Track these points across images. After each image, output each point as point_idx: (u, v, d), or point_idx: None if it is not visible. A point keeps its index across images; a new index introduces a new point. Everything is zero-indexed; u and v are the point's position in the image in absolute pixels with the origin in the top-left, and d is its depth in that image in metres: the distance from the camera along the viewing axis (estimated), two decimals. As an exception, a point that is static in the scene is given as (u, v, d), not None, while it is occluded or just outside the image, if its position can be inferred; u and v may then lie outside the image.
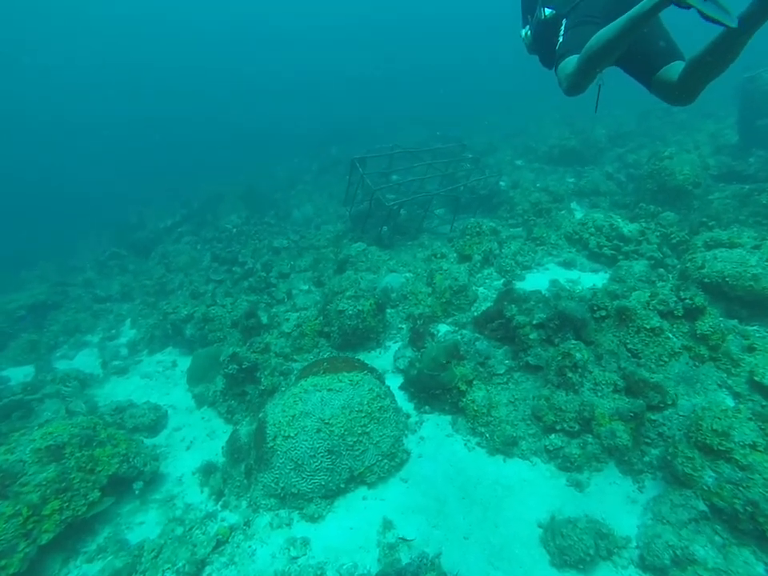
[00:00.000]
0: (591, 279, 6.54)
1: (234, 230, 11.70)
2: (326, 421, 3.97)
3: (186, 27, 51.76)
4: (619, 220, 7.27)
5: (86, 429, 4.28)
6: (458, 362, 4.84)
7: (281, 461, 3.90)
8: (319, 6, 52.59)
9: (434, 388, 4.73)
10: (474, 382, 4.71)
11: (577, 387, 4.12)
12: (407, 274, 7.28)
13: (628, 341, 4.43)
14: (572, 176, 12.57)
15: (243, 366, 5.75)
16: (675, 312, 4.43)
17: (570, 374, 4.14)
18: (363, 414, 4.12)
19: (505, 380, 4.75)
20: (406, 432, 4.53)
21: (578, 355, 4.16)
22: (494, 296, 6.30)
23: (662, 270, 6.38)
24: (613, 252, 6.80)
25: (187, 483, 4.75)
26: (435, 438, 4.48)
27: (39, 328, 9.62)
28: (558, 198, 10.00)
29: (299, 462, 3.85)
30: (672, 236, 6.85)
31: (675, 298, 4.51)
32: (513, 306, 5.13)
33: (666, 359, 4.19)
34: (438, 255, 7.23)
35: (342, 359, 4.88)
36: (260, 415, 4.42)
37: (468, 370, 4.77)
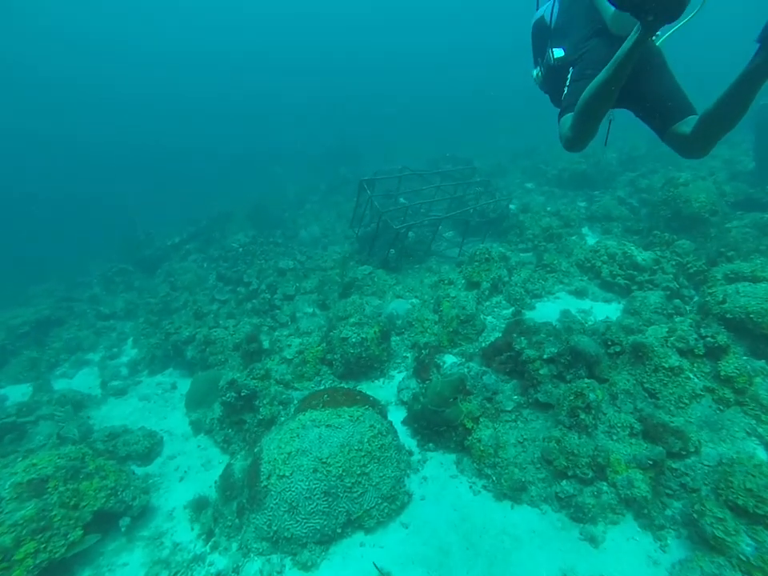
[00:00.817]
0: (604, 310, 6.31)
1: (240, 249, 11.64)
2: (324, 460, 3.75)
3: (198, 47, 53.23)
4: (633, 248, 7.05)
5: (73, 460, 4.09)
6: (464, 398, 4.61)
7: (274, 501, 3.67)
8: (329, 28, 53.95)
9: (438, 425, 4.49)
10: (481, 420, 4.47)
11: (590, 430, 3.86)
12: (413, 300, 7.10)
13: (645, 380, 4.19)
14: (583, 200, 12.40)
15: (242, 394, 5.56)
16: (696, 350, 4.19)
17: (582, 416, 3.89)
18: (363, 453, 3.89)
19: (513, 417, 4.50)
20: (408, 471, 4.28)
21: (591, 395, 3.91)
22: (503, 326, 6.08)
23: (678, 301, 6.12)
24: (626, 282, 6.57)
25: (178, 518, 4.52)
26: (439, 479, 4.23)
27: (41, 345, 9.54)
28: (569, 222, 9.82)
29: (294, 504, 3.62)
30: (689, 266, 6.62)
31: (695, 335, 4.27)
32: (522, 338, 4.91)
33: (687, 401, 3.94)
34: (446, 281, 7.05)
35: (343, 392, 4.67)
36: (255, 450, 4.21)
37: (474, 406, 4.54)
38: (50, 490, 3.77)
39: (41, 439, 5.71)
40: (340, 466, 3.75)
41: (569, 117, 2.54)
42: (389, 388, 5.72)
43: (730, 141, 14.61)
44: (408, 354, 6.17)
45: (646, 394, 4.12)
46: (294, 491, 3.65)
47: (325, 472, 3.71)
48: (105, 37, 46.93)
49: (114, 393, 7.54)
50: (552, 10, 3.11)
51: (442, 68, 50.94)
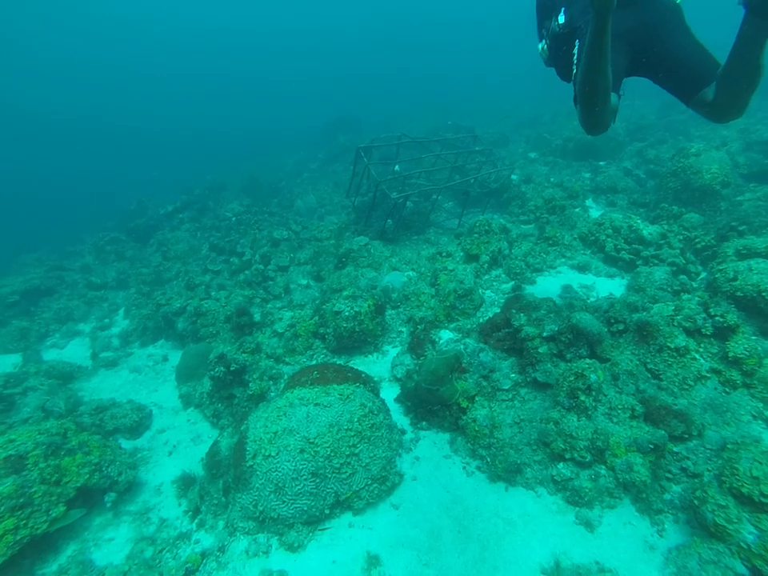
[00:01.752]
0: (607, 285, 6.08)
1: (234, 218, 11.32)
2: (311, 440, 3.61)
3: (196, 24, 51.09)
4: (639, 221, 6.77)
5: (54, 435, 3.96)
6: (460, 376, 4.45)
7: (260, 482, 3.55)
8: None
9: (432, 403, 4.34)
10: (477, 399, 4.32)
11: (590, 412, 3.71)
12: (410, 273, 6.87)
13: (648, 360, 4.00)
14: (588, 171, 11.98)
15: (231, 369, 5.41)
16: (703, 330, 3.99)
17: (582, 397, 3.73)
18: (352, 433, 3.75)
19: (510, 396, 4.35)
20: (400, 451, 4.16)
21: (592, 377, 3.74)
22: (502, 301, 5.88)
23: (684, 277, 5.90)
24: (631, 256, 6.33)
25: (165, 493, 4.44)
26: (431, 459, 4.11)
27: (31, 315, 9.36)
28: (573, 194, 9.47)
29: (280, 485, 3.50)
30: (696, 240, 6.35)
31: (704, 314, 4.06)
32: (521, 314, 4.71)
33: (692, 383, 3.76)
34: (444, 254, 6.79)
35: (334, 368, 4.50)
36: (241, 428, 4.07)
37: (470, 384, 4.38)
38: (29, 466, 3.64)
39: (28, 411, 5.59)
40: (328, 447, 3.61)
41: None
42: (382, 363, 5.56)
43: (747, 108, 14.04)
44: (403, 329, 5.99)
45: (649, 375, 3.95)
46: (280, 472, 3.52)
47: (312, 452, 3.57)
48: (105, 14, 44.97)
49: (105, 364, 7.41)
50: None
51: (447, 38, 49.09)
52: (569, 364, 4.14)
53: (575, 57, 2.56)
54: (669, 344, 3.91)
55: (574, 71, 2.50)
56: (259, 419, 3.95)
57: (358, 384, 4.26)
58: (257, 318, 6.68)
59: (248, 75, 49.99)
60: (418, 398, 4.41)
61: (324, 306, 5.98)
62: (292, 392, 4.08)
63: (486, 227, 6.61)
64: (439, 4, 52.10)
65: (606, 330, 4.28)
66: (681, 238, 6.54)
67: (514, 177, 10.99)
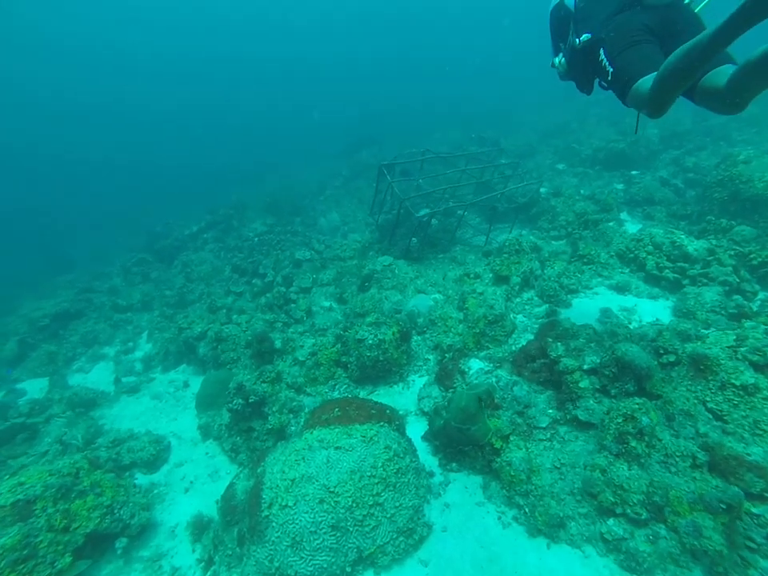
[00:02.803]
0: (650, 308, 5.60)
1: (256, 239, 11.26)
2: (331, 489, 3.30)
3: (222, 50, 52.91)
4: (683, 236, 6.27)
5: (65, 476, 3.79)
6: (492, 412, 4.08)
7: (276, 534, 3.26)
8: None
9: (463, 443, 3.98)
10: (511, 438, 3.93)
11: (642, 460, 3.28)
12: (436, 296, 6.54)
13: (708, 398, 3.55)
14: (620, 182, 11.44)
15: (250, 401, 5.18)
16: (774, 365, 3.51)
17: (633, 443, 3.30)
18: (376, 480, 3.42)
19: (548, 436, 3.95)
20: (428, 497, 3.80)
21: (644, 419, 3.31)
22: (535, 326, 5.48)
23: (738, 297, 5.37)
24: (676, 275, 5.83)
25: (180, 537, 4.21)
26: (463, 506, 3.73)
27: (59, 338, 9.47)
28: (606, 207, 9.00)
29: (297, 539, 3.20)
30: (751, 256, 5.81)
31: (773, 347, 3.58)
32: (558, 344, 4.31)
33: (766, 428, 3.28)
34: (472, 275, 6.44)
35: (356, 404, 4.20)
36: (258, 470, 3.80)
37: (504, 422, 4.00)
38: (37, 512, 3.47)
39: (48, 442, 5.50)
40: (350, 496, 3.29)
41: (642, 84, 2.38)
42: (408, 395, 5.23)
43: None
44: (430, 357, 5.65)
45: (711, 416, 3.49)
46: (297, 524, 3.23)
47: (332, 503, 3.26)
48: (119, 39, 47.15)
49: (127, 390, 7.33)
50: None
51: (468, 48, 49.15)
52: (615, 402, 3.72)
53: (605, 62, 2.67)
54: (733, 380, 3.45)
55: (610, 71, 2.63)
56: (276, 462, 3.68)
57: (382, 423, 3.94)
58: (278, 344, 6.46)
59: (271, 90, 51.25)
60: (448, 437, 4.05)
61: (346, 333, 5.71)
62: (311, 432, 3.80)
63: (516, 246, 6.24)
64: (459, 11, 52.34)
65: (655, 362, 3.84)
66: (732, 253, 6.00)
67: (542, 190, 10.57)
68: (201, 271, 11.38)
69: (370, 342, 5.30)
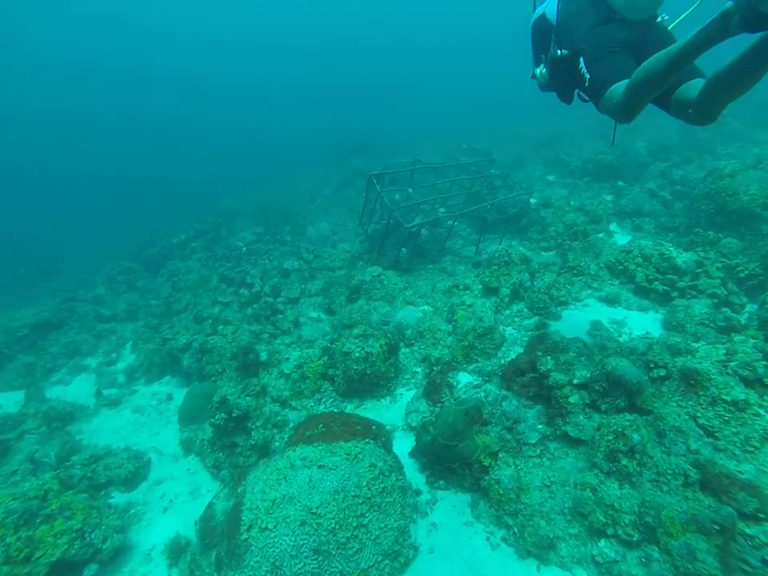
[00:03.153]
0: (640, 320, 5.57)
1: (244, 248, 11.13)
2: (314, 510, 3.17)
3: (211, 49, 52.97)
4: (671, 248, 6.28)
5: (31, 499, 3.60)
6: (481, 428, 3.98)
7: (255, 559, 3.11)
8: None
9: (450, 461, 3.87)
10: (500, 455, 3.84)
11: (634, 478, 3.20)
12: (425, 307, 6.45)
13: (699, 414, 3.49)
14: (609, 193, 11.53)
15: (233, 415, 5.04)
16: (765, 380, 3.46)
17: (624, 461, 3.23)
18: (360, 500, 3.30)
19: (538, 452, 3.86)
20: (415, 516, 3.68)
21: (635, 436, 3.24)
22: (525, 339, 5.42)
23: (726, 310, 5.36)
24: (665, 287, 5.81)
25: (155, 561, 4.02)
26: (450, 526, 3.62)
27: (38, 349, 9.20)
28: (596, 218, 9.03)
29: (278, 564, 3.06)
30: (738, 269, 5.82)
31: (764, 361, 3.54)
32: (548, 358, 4.24)
33: (758, 444, 3.23)
34: (461, 287, 6.38)
35: (341, 420, 4.07)
36: (239, 490, 3.65)
37: (492, 439, 3.90)
38: (-3, 541, 3.27)
39: (18, 460, 5.27)
40: (332, 518, 3.16)
41: (614, 91, 2.47)
42: (396, 409, 5.11)
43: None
44: (418, 369, 5.55)
45: (702, 432, 3.42)
46: (278, 548, 3.08)
47: (315, 525, 3.13)
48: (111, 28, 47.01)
49: (108, 403, 7.11)
50: (556, 7, 3.15)
51: (458, 59, 49.75)
52: (605, 418, 3.65)
53: (583, 70, 2.77)
54: (724, 396, 3.40)
55: (587, 77, 2.74)
56: (257, 482, 3.54)
57: (367, 440, 3.83)
58: (263, 356, 6.32)
59: (261, 97, 51.21)
60: (435, 454, 3.94)
61: (333, 346, 5.60)
62: (294, 450, 3.67)
63: (506, 258, 6.19)
64: (452, 22, 53.00)
65: (646, 377, 3.78)
66: (720, 265, 6.01)
67: (532, 200, 10.60)
68: (188, 280, 11.19)
69: (357, 354, 5.19)
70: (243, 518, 3.27)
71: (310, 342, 6.98)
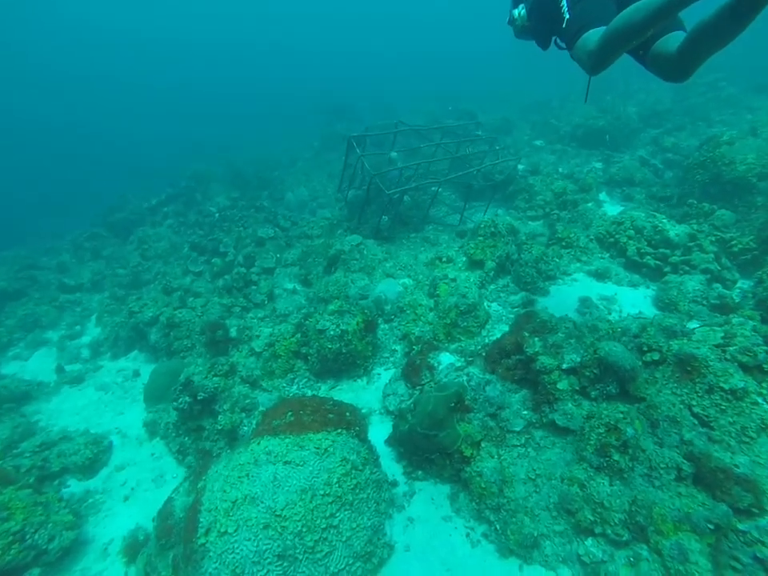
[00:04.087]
0: (631, 297, 5.31)
1: (217, 214, 10.49)
2: (278, 512, 2.88)
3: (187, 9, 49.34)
4: (665, 220, 5.98)
5: (-35, 499, 3.24)
6: (462, 416, 3.71)
7: (214, 566, 2.83)
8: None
9: (429, 451, 3.61)
10: (482, 445, 3.59)
11: (625, 474, 2.97)
12: (406, 281, 6.09)
13: (694, 403, 3.25)
14: (599, 160, 11.14)
15: (198, 398, 4.69)
16: (765, 366, 3.23)
17: (616, 456, 2.99)
18: (330, 499, 3.02)
19: (522, 441, 3.62)
20: (391, 511, 3.44)
21: (628, 430, 3.00)
22: (511, 316, 5.13)
23: (719, 286, 5.13)
24: (657, 262, 5.54)
25: (113, 557, 3.75)
26: (428, 522, 3.39)
27: (-6, 321, 8.63)
28: (585, 187, 8.66)
29: (238, 571, 2.78)
30: (732, 242, 5.57)
31: (765, 346, 3.30)
32: (535, 339, 3.95)
33: (754, 435, 3.01)
34: (444, 259, 6.00)
35: (313, 406, 3.75)
36: (199, 485, 3.35)
37: (475, 427, 3.64)
38: None
39: (-35, 445, 4.87)
40: (299, 520, 2.88)
41: (589, 37, 2.34)
42: (373, 390, 4.83)
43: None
44: (397, 348, 5.24)
45: (696, 422, 3.20)
46: (238, 554, 2.80)
47: (279, 528, 2.84)
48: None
49: (69, 381, 6.70)
50: None
51: (448, 19, 47.48)
52: (596, 406, 3.41)
53: (564, 8, 2.59)
54: (722, 384, 3.16)
55: (566, 17, 2.56)
56: (218, 477, 3.22)
57: (339, 430, 3.52)
58: (233, 333, 5.93)
59: (243, 61, 48.50)
60: (413, 444, 3.68)
61: (307, 322, 5.23)
62: (258, 443, 3.34)
63: (492, 228, 5.81)
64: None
65: (639, 363, 3.52)
66: (713, 239, 5.75)
67: (519, 167, 10.15)
68: (158, 248, 10.59)
69: (332, 332, 4.84)
70: (201, 520, 2.97)
71: (284, 316, 6.60)
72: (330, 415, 3.71)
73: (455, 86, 23.80)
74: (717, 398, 3.18)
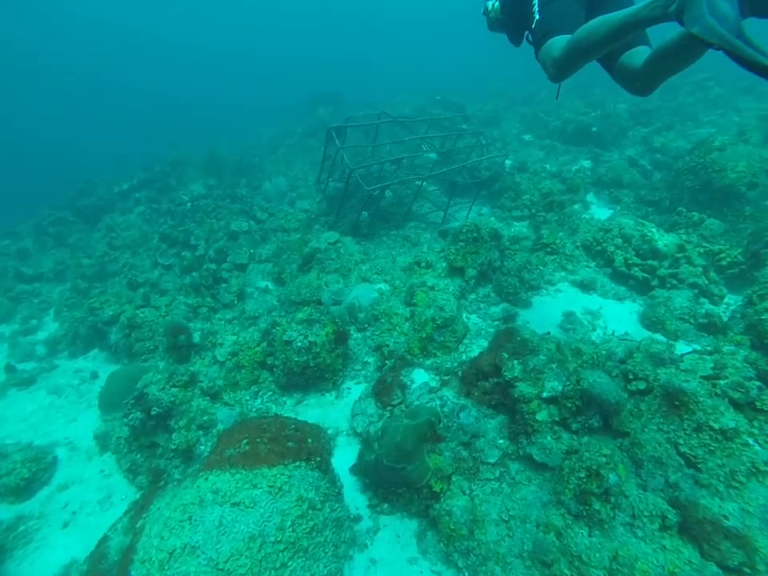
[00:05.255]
0: (616, 311, 5.06)
1: (189, 204, 9.95)
2: (221, 565, 2.56)
3: None
4: (653, 229, 5.73)
5: None
6: (433, 446, 3.43)
7: (145, 626, 2.51)
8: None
9: (396, 485, 3.33)
10: (453, 479, 3.32)
11: (606, 525, 2.72)
12: (382, 286, 5.75)
13: (681, 441, 3.01)
14: (587, 158, 10.88)
15: (152, 413, 4.32)
16: (759, 404, 3.00)
17: (596, 505, 2.74)
18: (282, 547, 2.71)
19: (497, 474, 3.35)
20: (352, 552, 3.15)
21: (611, 477, 2.74)
22: (490, 330, 4.84)
23: (706, 302, 4.93)
24: (645, 275, 5.30)
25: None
26: (392, 564, 3.11)
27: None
28: (573, 187, 8.39)
29: (172, 632, 2.47)
30: (721, 255, 5.35)
31: (757, 382, 3.07)
32: (515, 362, 3.67)
33: (744, 479, 2.79)
34: (423, 264, 5.67)
35: (271, 433, 3.42)
36: (138, 524, 3.00)
37: (446, 459, 3.36)
38: None
39: None
40: (245, 573, 2.57)
41: (554, 44, 2.31)
42: (342, 407, 4.51)
43: (756, 90, 12.96)
44: (370, 360, 4.92)
45: (683, 461, 2.97)
46: (173, 613, 2.48)
47: (221, 583, 2.53)
48: None
49: (19, 382, 6.25)
50: None
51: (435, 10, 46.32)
52: (577, 441, 3.15)
53: (535, 7, 2.54)
54: (712, 423, 2.92)
55: (536, 18, 2.53)
56: (159, 518, 2.89)
57: (298, 463, 3.21)
58: (196, 338, 5.54)
59: (227, 47, 46.85)
60: (379, 476, 3.38)
61: (274, 330, 4.87)
62: (207, 478, 3.01)
63: (474, 234, 5.48)
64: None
65: (625, 395, 3.27)
66: (701, 251, 5.53)
67: (507, 162, 9.83)
68: (127, 237, 10.04)
69: (299, 344, 4.50)
70: (133, 574, 2.63)
71: (253, 318, 6.23)
72: (290, 443, 3.39)
73: (445, 79, 23.27)
74: (706, 437, 2.94)
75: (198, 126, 23.92)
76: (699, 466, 2.91)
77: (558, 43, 2.26)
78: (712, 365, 3.30)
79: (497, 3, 3.15)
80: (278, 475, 3.02)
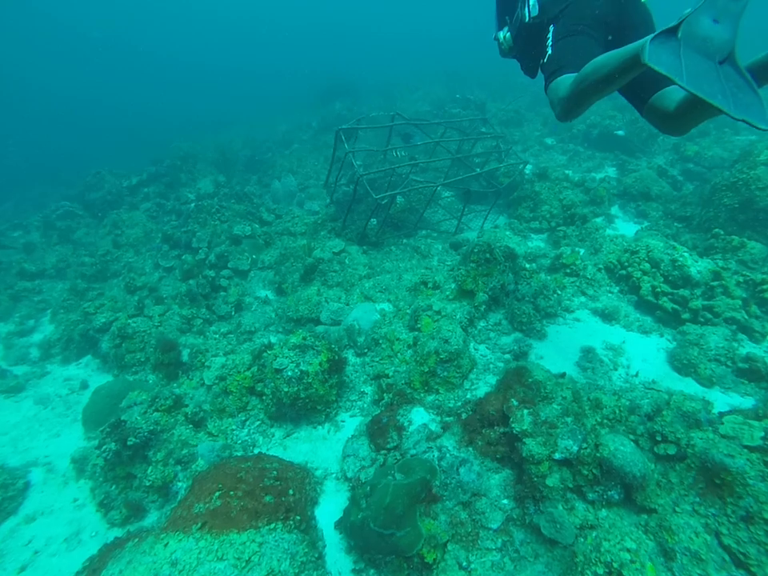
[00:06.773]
0: (641, 348, 4.55)
1: (193, 204, 9.64)
2: None
3: None
4: (686, 254, 5.18)
5: None
6: (428, 508, 3.02)
7: None
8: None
9: (383, 552, 2.93)
10: (449, 547, 2.91)
11: (627, 633, 2.28)
12: (385, 305, 5.33)
13: (725, 530, 2.54)
14: (613, 164, 10.28)
15: (129, 444, 4.00)
16: (817, 492, 2.51)
17: (617, 608, 2.30)
18: (244, 635, 2.34)
19: (499, 544, 2.93)
20: (330, 629, 2.78)
21: (637, 577, 2.30)
22: (500, 364, 4.39)
23: (746, 340, 4.40)
24: (675, 306, 4.78)
25: None
26: (375, 646, 2.73)
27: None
28: (597, 199, 7.83)
29: None
30: (764, 287, 4.79)
31: (816, 463, 2.58)
32: (525, 411, 3.23)
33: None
34: (430, 284, 5.23)
35: (247, 485, 3.05)
36: (90, 588, 2.67)
37: (441, 525, 2.95)
38: None
39: None
40: None
41: (563, 82, 2.18)
42: (334, 442, 4.12)
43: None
44: (367, 390, 4.53)
45: (727, 557, 2.50)
46: None
47: None
48: None
49: (7, 390, 6.02)
50: None
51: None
52: (593, 514, 2.71)
53: (549, 42, 2.45)
54: (765, 515, 2.44)
55: (549, 53, 2.43)
56: (110, 587, 2.54)
57: (273, 524, 2.83)
58: (185, 357, 5.21)
59: (245, 37, 46.59)
60: (365, 540, 2.99)
61: (265, 354, 4.51)
62: (167, 543, 2.65)
63: (488, 254, 5.01)
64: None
65: (652, 465, 2.81)
66: (741, 280, 4.97)
67: (527, 168, 9.28)
68: (131, 235, 9.80)
69: (290, 373, 4.12)
70: None
71: (249, 333, 5.89)
72: (267, 497, 3.01)
73: (464, 67, 22.54)
74: (759, 531, 2.47)
75: (212, 116, 23.70)
76: (750, 565, 2.43)
77: (566, 81, 2.15)
78: (762, 434, 2.81)
79: (508, 34, 3.01)
80: (248, 543, 2.65)
